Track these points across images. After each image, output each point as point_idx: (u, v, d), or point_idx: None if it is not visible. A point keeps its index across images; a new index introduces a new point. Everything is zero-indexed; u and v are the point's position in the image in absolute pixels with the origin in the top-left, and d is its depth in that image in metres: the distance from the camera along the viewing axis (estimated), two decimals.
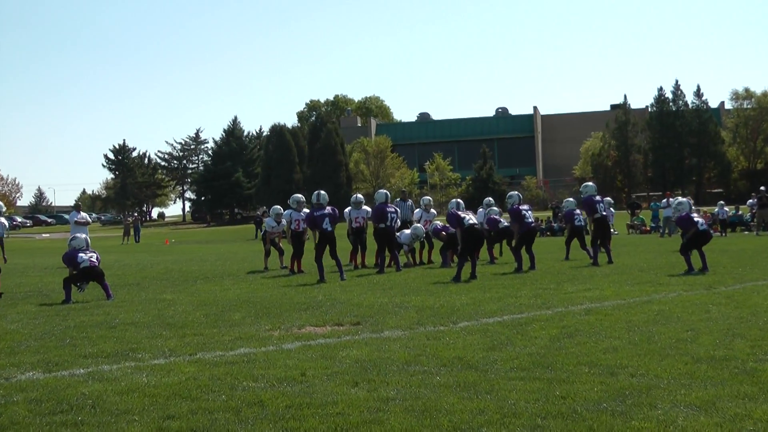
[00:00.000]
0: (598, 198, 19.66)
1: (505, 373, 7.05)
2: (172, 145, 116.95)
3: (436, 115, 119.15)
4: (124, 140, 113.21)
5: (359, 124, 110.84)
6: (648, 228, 41.11)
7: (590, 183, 20.82)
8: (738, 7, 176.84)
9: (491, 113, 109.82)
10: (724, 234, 33.17)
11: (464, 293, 13.38)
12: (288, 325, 10.24)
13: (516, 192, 20.27)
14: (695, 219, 16.64)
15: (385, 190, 20.24)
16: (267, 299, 13.45)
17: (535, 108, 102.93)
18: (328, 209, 17.56)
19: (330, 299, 13.06)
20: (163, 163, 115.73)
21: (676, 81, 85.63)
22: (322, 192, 18.15)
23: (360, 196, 20.60)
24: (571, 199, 21.76)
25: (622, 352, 7.82)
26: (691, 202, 18.02)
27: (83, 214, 25.35)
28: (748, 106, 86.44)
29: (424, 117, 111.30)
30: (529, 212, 19.15)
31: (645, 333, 8.84)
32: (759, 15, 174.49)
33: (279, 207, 22.12)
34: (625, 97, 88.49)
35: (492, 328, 9.54)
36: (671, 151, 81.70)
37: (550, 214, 48.50)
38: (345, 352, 8.20)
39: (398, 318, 10.61)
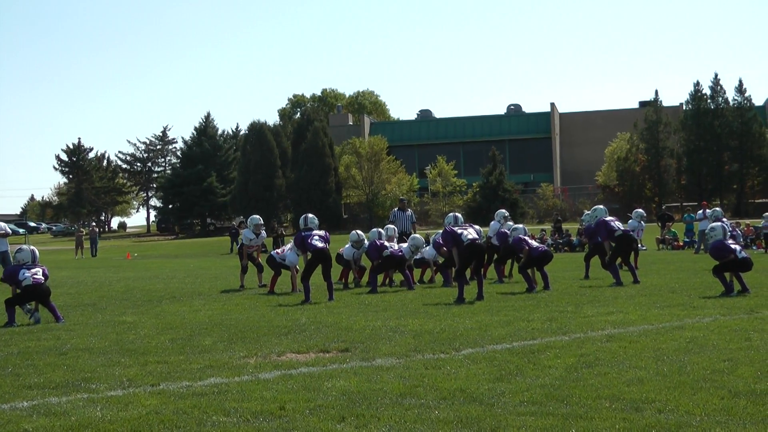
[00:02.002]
0: (610, 218, 19.91)
1: (513, 408, 7.06)
2: (135, 145, 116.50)
3: (439, 113, 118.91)
4: (79, 139, 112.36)
5: (351, 123, 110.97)
6: (681, 243, 41.17)
7: (600, 206, 21.07)
8: None
9: (502, 111, 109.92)
10: None
11: (469, 316, 13.41)
12: (266, 352, 10.25)
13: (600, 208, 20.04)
14: (731, 246, 16.64)
15: (377, 229, 20.86)
16: (242, 322, 13.47)
17: (552, 105, 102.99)
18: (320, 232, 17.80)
19: (315, 322, 13.09)
20: (124, 166, 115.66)
21: (716, 75, 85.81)
22: (310, 215, 18.32)
23: (360, 233, 20.65)
24: (601, 207, 21.72)
25: (648, 384, 7.83)
26: (726, 223, 17.94)
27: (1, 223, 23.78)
28: None
29: (425, 115, 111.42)
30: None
31: (675, 363, 8.86)
32: None
33: (258, 217, 22.10)
34: (657, 93, 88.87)
35: (500, 355, 9.56)
36: (709, 155, 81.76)
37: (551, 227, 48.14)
38: (330, 383, 8.21)
39: (392, 344, 10.63)
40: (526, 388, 7.77)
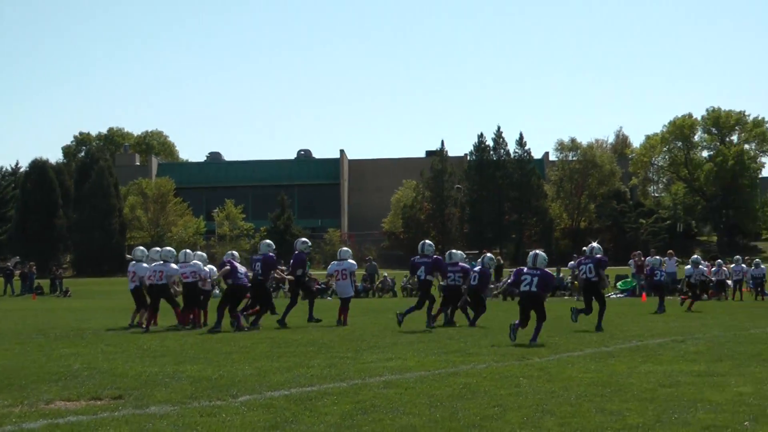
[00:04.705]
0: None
1: None
2: None
3: (229, 156, 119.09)
4: None
5: (138, 163, 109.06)
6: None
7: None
8: (561, 52, 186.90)
9: (292, 156, 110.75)
10: None
11: (249, 362, 13.31)
12: (33, 400, 9.85)
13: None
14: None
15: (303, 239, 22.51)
16: (10, 368, 12.89)
17: (342, 152, 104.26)
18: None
19: (88, 368, 12.68)
20: None
21: (498, 128, 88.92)
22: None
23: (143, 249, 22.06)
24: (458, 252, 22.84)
25: (421, 430, 7.97)
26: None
27: None
28: (574, 158, 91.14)
29: (214, 157, 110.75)
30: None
31: (448, 409, 9.05)
32: (584, 62, 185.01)
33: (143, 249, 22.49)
34: (443, 143, 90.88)
35: (277, 402, 9.53)
36: (490, 205, 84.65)
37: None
38: None
39: (169, 391, 10.42)
40: None
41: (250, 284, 20.61)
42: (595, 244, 21.15)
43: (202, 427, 8.15)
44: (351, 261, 22.25)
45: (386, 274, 47.57)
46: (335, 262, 22.44)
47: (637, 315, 24.14)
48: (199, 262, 21.33)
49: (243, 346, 15.98)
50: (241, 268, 20.35)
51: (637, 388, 10.44)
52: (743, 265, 37.13)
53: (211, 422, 8.42)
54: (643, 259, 39.40)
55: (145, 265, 21.42)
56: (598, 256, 20.36)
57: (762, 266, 37.17)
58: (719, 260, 39.44)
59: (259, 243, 22.07)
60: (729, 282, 36.88)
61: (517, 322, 16.69)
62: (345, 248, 23.12)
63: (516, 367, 12.53)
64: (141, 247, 22.53)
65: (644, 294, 36.18)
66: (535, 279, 16.97)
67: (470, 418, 8.58)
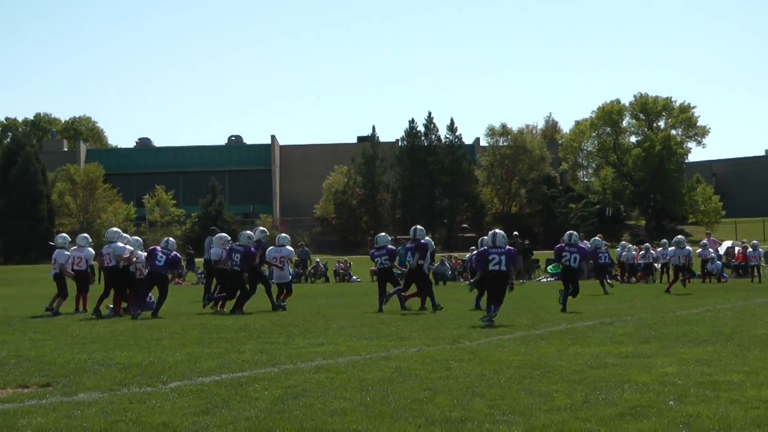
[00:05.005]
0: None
1: None
2: None
3: (159, 142, 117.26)
4: None
5: (66, 149, 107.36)
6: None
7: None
8: (491, 38, 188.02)
9: (223, 141, 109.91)
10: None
11: (179, 348, 13.23)
12: None
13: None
14: None
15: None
16: None
17: (273, 137, 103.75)
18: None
19: (15, 356, 12.49)
20: None
21: (429, 113, 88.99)
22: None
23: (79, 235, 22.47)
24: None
25: (351, 414, 7.99)
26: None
27: None
28: (504, 144, 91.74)
29: (144, 143, 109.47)
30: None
31: (379, 393, 9.08)
32: (514, 48, 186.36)
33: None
34: (374, 128, 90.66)
35: (208, 388, 9.48)
36: (422, 190, 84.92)
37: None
38: (26, 420, 7.86)
39: (98, 377, 10.31)
40: (230, 421, 7.74)
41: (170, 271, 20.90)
42: (574, 233, 21.84)
43: (131, 414, 8.07)
44: (289, 248, 22.33)
45: (318, 260, 47.62)
46: (273, 248, 22.38)
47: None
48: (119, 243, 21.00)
49: (174, 332, 15.89)
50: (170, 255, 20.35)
51: (565, 369, 10.57)
52: (670, 249, 37.74)
53: (141, 408, 8.35)
54: None
55: (66, 252, 21.43)
56: (582, 245, 21.35)
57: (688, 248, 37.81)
58: (647, 244, 40.13)
59: (239, 233, 22.11)
60: (656, 265, 37.51)
61: (478, 298, 17.52)
62: (284, 234, 23.17)
63: (447, 351, 12.61)
64: (63, 234, 22.56)
65: None
66: (503, 258, 17.36)
67: (401, 401, 8.61)
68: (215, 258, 22.16)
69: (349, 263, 47.14)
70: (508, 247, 17.78)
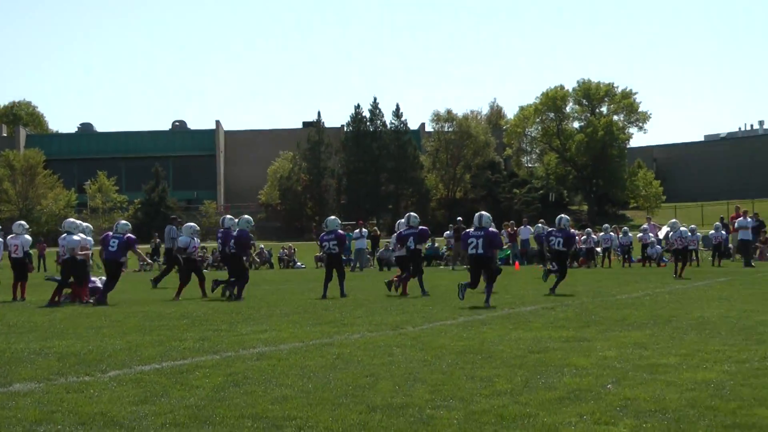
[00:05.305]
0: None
1: (155, 430, 6.96)
2: None
3: (101, 127, 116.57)
4: None
5: (4, 134, 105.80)
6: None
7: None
8: (436, 23, 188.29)
9: (167, 127, 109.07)
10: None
11: (119, 336, 13.09)
12: None
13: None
14: None
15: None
16: None
17: (217, 123, 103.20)
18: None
19: None
20: None
21: (375, 99, 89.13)
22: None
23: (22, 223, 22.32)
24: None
25: (292, 401, 7.96)
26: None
27: None
28: (449, 130, 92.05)
29: (86, 128, 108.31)
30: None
31: (320, 379, 9.07)
32: (459, 34, 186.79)
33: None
34: (319, 114, 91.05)
35: (147, 377, 9.39)
36: (367, 175, 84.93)
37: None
38: None
39: (34, 367, 10.16)
40: (170, 410, 7.66)
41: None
42: (564, 216, 22.10)
43: (68, 404, 7.97)
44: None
45: (263, 246, 47.41)
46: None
47: (510, 283, 24.53)
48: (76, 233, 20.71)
49: (114, 320, 15.74)
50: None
51: (507, 354, 10.63)
52: (612, 234, 38.14)
53: (78, 398, 8.24)
54: (516, 228, 40.33)
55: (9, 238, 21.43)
56: (567, 229, 21.64)
57: (629, 234, 38.24)
58: (588, 228, 40.53)
59: (222, 219, 22.40)
60: (598, 249, 37.90)
61: (466, 282, 17.66)
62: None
63: (390, 337, 12.61)
64: (20, 222, 22.49)
65: (517, 262, 37.04)
66: (480, 241, 17.45)
67: (342, 388, 8.60)
68: (183, 246, 22.07)
69: (294, 249, 46.98)
70: (491, 229, 17.90)
